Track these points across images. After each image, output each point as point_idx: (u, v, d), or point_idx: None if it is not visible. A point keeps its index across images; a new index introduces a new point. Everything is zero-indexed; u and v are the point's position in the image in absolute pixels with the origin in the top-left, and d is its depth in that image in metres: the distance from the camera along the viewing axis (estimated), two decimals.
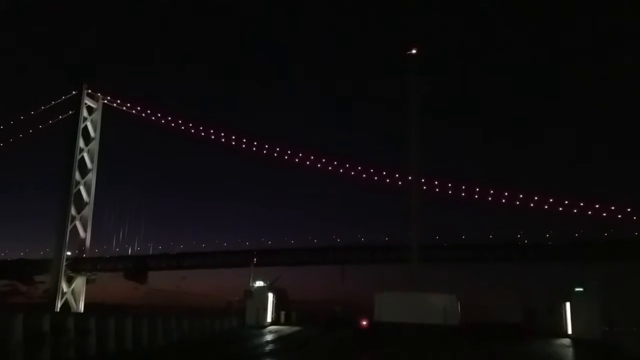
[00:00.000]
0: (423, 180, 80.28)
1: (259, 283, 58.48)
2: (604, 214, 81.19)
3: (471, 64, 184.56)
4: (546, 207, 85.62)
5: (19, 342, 23.27)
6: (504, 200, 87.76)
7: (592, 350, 40.56)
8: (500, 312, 47.95)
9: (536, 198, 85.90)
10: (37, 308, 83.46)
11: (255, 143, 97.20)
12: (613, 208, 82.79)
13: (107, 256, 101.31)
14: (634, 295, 56.32)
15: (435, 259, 78.89)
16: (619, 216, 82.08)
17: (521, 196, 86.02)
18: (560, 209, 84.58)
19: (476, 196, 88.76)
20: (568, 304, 47.95)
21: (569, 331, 47.54)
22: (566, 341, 44.74)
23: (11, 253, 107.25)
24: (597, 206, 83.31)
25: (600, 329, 45.50)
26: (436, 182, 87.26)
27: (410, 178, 75.26)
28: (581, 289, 47.31)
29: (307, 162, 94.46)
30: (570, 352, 40.81)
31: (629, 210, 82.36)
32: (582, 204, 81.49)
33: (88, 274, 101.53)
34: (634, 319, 49.27)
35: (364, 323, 52.78)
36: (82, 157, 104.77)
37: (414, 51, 68.73)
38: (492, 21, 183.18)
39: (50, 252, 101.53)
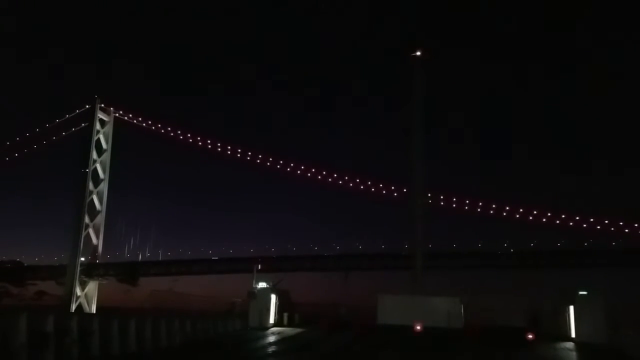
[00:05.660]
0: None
1: (262, 284, 54.86)
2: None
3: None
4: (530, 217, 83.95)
5: (22, 344, 20.60)
6: (491, 211, 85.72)
7: (597, 355, 36.97)
8: (504, 316, 44.29)
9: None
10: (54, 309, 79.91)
11: (260, 155, 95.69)
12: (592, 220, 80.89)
13: (118, 262, 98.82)
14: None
15: (432, 267, 75.27)
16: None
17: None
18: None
19: (466, 207, 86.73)
20: (572, 307, 44.13)
21: (573, 335, 43.63)
22: (570, 345, 40.82)
23: (27, 259, 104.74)
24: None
25: (605, 333, 41.32)
26: (429, 194, 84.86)
27: (412, 185, 71.28)
28: (585, 292, 43.69)
29: (309, 174, 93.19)
30: (574, 356, 37.22)
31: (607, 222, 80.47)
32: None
33: (100, 278, 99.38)
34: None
35: None
36: (95, 168, 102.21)
37: (418, 53, 64.49)
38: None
39: (65, 257, 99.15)
